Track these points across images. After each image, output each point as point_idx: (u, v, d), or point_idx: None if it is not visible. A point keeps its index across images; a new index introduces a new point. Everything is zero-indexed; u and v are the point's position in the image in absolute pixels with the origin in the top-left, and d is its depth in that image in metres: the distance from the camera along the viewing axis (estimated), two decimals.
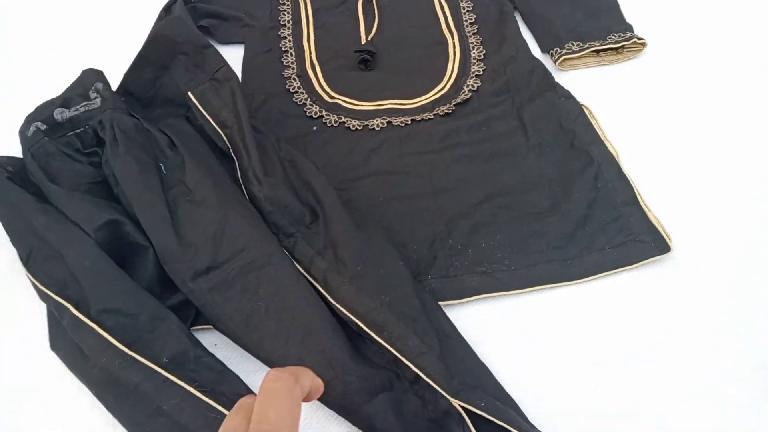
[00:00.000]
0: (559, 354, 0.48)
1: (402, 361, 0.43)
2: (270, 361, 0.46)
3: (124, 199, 0.51)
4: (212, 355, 0.46)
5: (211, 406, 0.41)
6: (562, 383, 0.46)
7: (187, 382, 0.42)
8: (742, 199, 0.57)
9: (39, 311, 0.50)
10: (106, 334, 0.43)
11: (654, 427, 0.44)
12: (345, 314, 0.45)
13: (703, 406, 0.44)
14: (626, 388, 0.46)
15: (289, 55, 0.73)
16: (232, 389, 0.43)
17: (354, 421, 0.43)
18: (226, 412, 0.41)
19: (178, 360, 0.44)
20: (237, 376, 0.45)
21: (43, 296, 0.48)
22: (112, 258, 0.47)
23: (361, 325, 0.45)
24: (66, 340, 0.47)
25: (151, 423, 0.42)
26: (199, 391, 0.42)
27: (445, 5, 0.77)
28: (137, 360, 0.42)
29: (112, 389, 0.43)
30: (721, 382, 0.45)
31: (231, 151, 0.56)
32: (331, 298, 0.46)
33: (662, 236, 0.53)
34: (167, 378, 0.42)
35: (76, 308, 0.45)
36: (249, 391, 0.44)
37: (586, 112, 0.63)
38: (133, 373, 0.42)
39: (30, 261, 0.49)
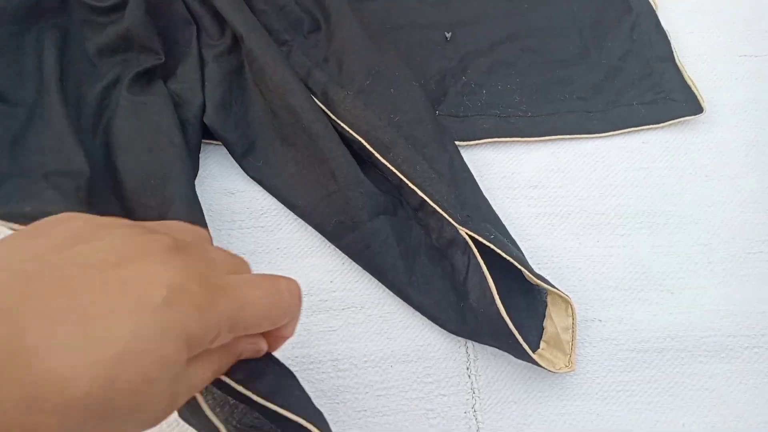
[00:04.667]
0: (572, 210, 0.44)
1: (407, 186, 0.38)
2: (269, 168, 0.41)
3: None
4: None
5: None
6: (569, 237, 0.43)
7: None
8: None
9: None
10: None
11: (675, 287, 0.41)
12: (347, 131, 0.40)
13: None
14: (639, 244, 0.43)
15: None
16: None
17: (349, 243, 0.39)
18: None
19: None
20: None
21: None
22: None
23: (365, 143, 0.39)
24: None
25: None
26: None
27: None
28: None
29: None
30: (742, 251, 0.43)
31: None
32: (331, 112, 0.40)
33: (695, 96, 0.48)
34: None
35: None
36: None
37: None
38: None
39: None
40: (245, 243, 0.42)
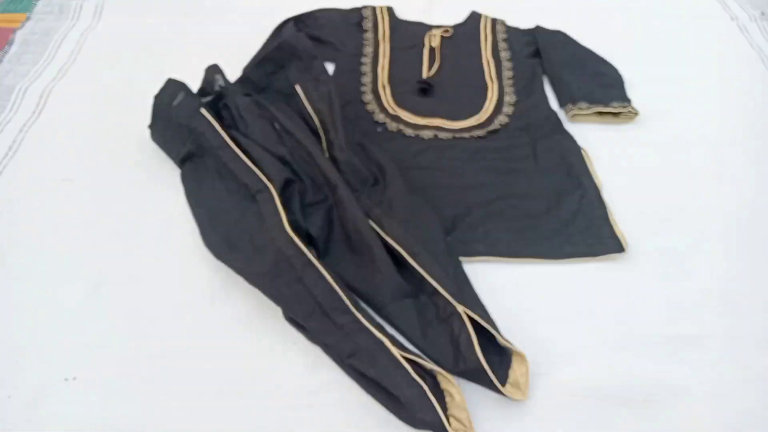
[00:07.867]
0: (538, 310, 0.67)
1: (427, 280, 0.63)
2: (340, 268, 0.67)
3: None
4: None
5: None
6: (536, 332, 0.65)
7: None
8: (684, 225, 0.77)
9: None
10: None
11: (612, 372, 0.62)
12: (392, 244, 0.66)
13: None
14: (588, 337, 0.65)
15: (366, 76, 0.96)
16: None
17: (388, 312, 0.63)
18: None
19: None
20: None
21: None
22: None
23: (403, 252, 0.65)
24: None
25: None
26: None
27: (491, 60, 1.00)
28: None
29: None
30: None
31: (320, 128, 0.78)
32: (383, 232, 0.67)
33: (620, 242, 0.73)
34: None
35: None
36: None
37: (583, 153, 0.84)
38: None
39: None
40: None
